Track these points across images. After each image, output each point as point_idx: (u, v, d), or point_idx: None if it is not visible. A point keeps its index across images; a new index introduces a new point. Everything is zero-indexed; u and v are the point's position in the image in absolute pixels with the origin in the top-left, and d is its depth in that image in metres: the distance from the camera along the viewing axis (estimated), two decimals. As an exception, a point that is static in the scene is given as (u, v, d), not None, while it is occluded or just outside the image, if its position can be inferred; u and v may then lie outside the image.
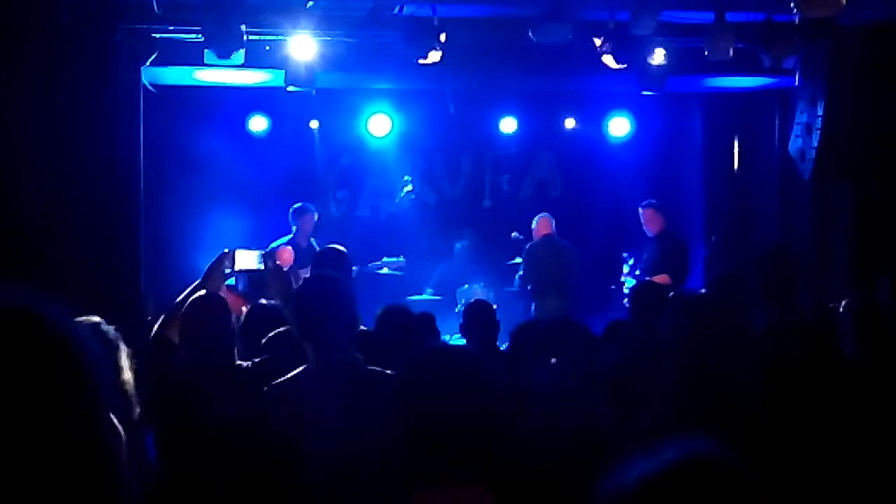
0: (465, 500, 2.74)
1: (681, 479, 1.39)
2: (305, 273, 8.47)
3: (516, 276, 11.28)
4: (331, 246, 6.73)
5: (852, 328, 5.17)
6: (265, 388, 4.03)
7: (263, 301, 6.18)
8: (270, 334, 5.08)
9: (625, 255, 10.94)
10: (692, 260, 10.91)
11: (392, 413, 2.82)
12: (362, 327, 5.81)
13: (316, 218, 10.93)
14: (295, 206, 10.88)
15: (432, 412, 2.75)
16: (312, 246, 10.50)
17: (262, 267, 6.98)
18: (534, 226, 11.04)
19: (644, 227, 10.76)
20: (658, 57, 9.88)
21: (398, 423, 2.80)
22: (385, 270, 11.31)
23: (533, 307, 10.75)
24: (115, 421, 1.31)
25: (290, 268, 9.94)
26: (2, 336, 1.26)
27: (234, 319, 5.61)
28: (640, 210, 10.80)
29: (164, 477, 3.11)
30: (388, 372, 4.00)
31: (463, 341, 6.89)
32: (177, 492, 2.47)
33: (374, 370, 4.09)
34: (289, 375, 4.05)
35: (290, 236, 10.72)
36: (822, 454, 3.86)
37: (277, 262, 9.65)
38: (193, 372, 4.74)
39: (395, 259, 11.31)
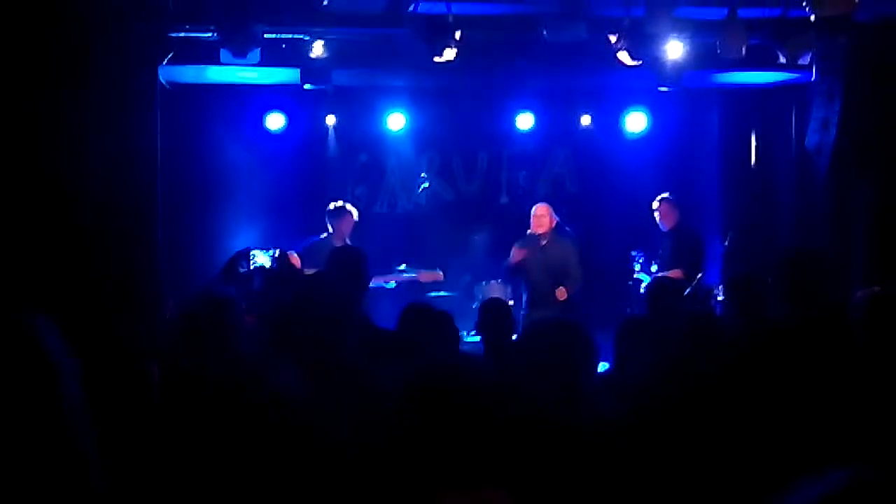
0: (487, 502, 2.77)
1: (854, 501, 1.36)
2: None
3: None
4: (345, 245, 6.75)
5: (864, 323, 5.17)
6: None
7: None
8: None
9: (633, 252, 10.94)
10: (708, 255, 10.91)
11: (402, 420, 2.84)
12: (379, 326, 5.86)
13: (356, 218, 10.56)
14: (332, 205, 10.57)
15: (445, 419, 2.78)
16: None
17: (276, 266, 7.00)
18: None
19: (658, 222, 10.78)
20: (674, 53, 9.87)
21: (410, 429, 2.83)
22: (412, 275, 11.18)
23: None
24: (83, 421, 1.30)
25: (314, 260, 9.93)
26: None
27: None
28: (655, 205, 10.80)
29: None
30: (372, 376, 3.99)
31: (478, 338, 6.91)
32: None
33: (359, 372, 4.08)
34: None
35: (325, 236, 10.42)
36: (837, 446, 3.87)
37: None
38: (207, 370, 4.75)
39: (432, 270, 11.18)
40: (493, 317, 6.48)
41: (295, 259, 10.05)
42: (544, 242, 10.43)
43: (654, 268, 10.68)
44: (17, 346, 1.28)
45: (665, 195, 10.86)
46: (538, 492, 3.19)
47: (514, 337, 6.61)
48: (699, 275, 10.29)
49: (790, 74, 10.78)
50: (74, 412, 1.30)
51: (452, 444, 2.79)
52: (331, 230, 10.44)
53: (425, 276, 11.13)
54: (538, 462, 3.27)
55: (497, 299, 7.14)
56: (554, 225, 10.54)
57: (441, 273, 11.27)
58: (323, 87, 10.03)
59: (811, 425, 3.86)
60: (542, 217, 10.48)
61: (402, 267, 11.06)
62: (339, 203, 10.63)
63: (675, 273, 10.06)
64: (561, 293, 10.20)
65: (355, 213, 10.59)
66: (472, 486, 2.77)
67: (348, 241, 10.48)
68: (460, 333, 6.26)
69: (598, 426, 3.58)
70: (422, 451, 2.80)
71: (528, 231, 10.57)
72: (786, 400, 3.97)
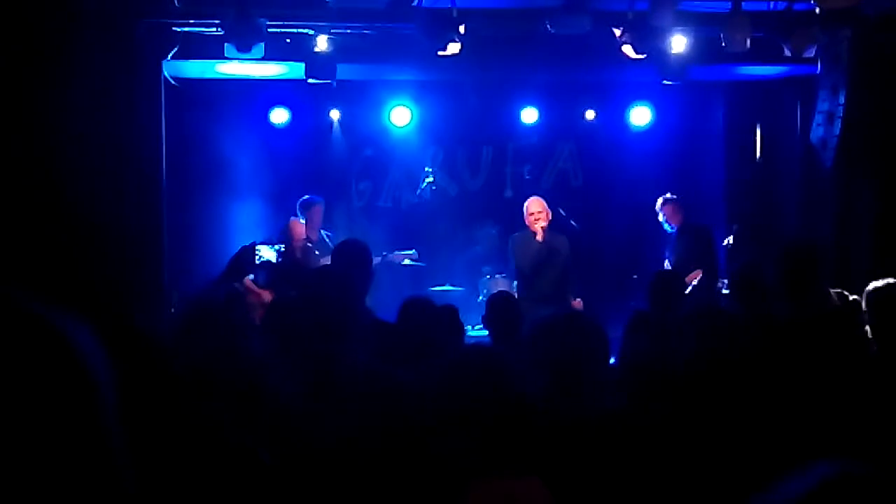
0: (520, 490, 2.81)
1: (837, 497, 1.37)
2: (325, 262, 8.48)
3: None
4: (350, 238, 6.74)
5: (872, 317, 5.17)
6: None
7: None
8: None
9: (634, 276, 10.89)
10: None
11: (439, 409, 2.87)
12: (383, 320, 5.86)
13: (323, 209, 10.87)
14: (302, 198, 10.80)
15: (481, 408, 2.81)
16: (323, 238, 10.52)
17: (281, 260, 7.01)
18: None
19: (666, 223, 10.67)
20: (678, 46, 9.87)
21: (448, 418, 2.85)
22: (406, 262, 11.31)
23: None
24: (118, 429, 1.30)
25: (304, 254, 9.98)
26: None
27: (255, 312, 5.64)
28: (660, 207, 10.68)
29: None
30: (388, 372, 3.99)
31: (485, 332, 6.90)
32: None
33: (373, 370, 4.08)
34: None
35: None
36: (844, 441, 3.87)
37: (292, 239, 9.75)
38: (214, 365, 4.76)
39: (407, 251, 11.26)
40: (500, 310, 6.46)
41: (299, 225, 10.10)
42: (546, 237, 10.11)
43: (666, 264, 10.62)
44: (50, 352, 1.27)
45: (667, 196, 10.74)
46: (563, 481, 3.20)
47: (520, 331, 6.60)
48: (717, 272, 10.25)
49: (795, 67, 10.76)
50: (110, 422, 1.30)
51: (488, 433, 2.81)
52: (304, 222, 10.65)
53: (398, 255, 11.18)
54: (565, 451, 3.30)
55: (505, 292, 7.14)
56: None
57: (415, 252, 11.30)
58: (327, 81, 10.03)
59: (811, 418, 3.86)
60: (544, 211, 10.15)
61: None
62: (307, 196, 10.84)
63: (695, 275, 10.02)
64: (578, 304, 9.96)
65: (322, 203, 10.86)
66: (505, 474, 2.80)
67: (322, 232, 10.59)
68: (465, 327, 6.26)
69: (605, 419, 3.59)
70: (458, 439, 2.83)
71: (537, 224, 10.18)
72: (788, 392, 3.97)
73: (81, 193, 8.77)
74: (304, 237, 10.18)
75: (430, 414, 2.97)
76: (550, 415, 3.43)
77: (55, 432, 1.21)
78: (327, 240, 10.41)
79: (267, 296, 9.12)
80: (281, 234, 10.09)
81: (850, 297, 6.12)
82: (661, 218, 10.68)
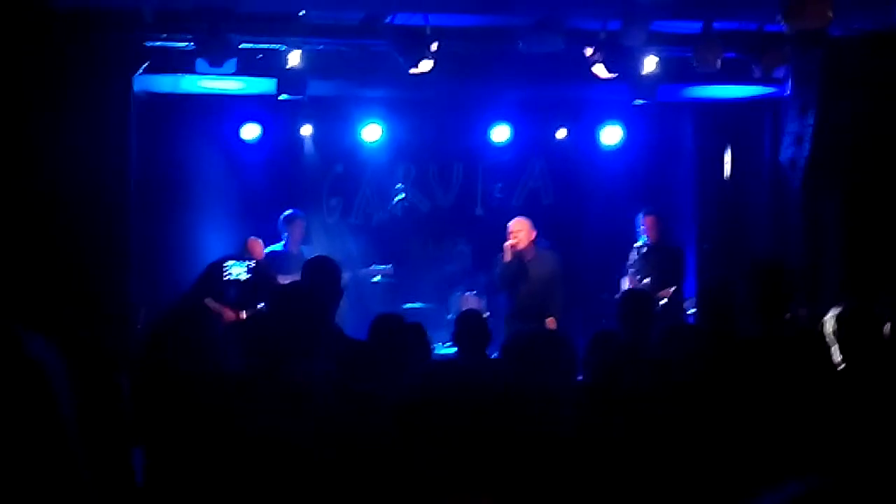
0: None
1: None
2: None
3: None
4: (319, 255, 6.73)
5: (840, 338, 5.19)
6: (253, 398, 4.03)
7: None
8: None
9: (604, 296, 10.91)
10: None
11: (393, 429, 2.86)
12: (351, 337, 5.85)
13: (305, 224, 10.97)
14: (285, 213, 10.89)
15: (437, 428, 2.79)
16: (302, 254, 10.51)
17: (250, 276, 7.00)
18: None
19: (644, 234, 10.58)
20: (649, 66, 9.91)
21: (401, 439, 2.84)
22: (377, 278, 11.29)
23: None
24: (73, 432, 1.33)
25: (273, 270, 9.96)
26: None
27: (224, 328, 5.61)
28: (641, 217, 10.65)
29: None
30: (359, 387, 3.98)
31: (453, 350, 6.90)
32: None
33: (342, 384, 4.07)
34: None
35: (282, 244, 10.77)
36: (811, 459, 3.88)
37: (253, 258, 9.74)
38: (183, 381, 4.73)
39: (383, 266, 11.28)
40: (469, 328, 6.46)
41: (258, 245, 10.10)
42: (529, 258, 10.12)
43: (625, 281, 10.59)
44: (9, 357, 1.30)
45: (652, 208, 10.72)
46: (522, 499, 3.20)
47: (489, 348, 6.61)
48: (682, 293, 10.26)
49: (765, 88, 10.83)
50: (69, 429, 1.33)
51: (445, 454, 2.80)
52: (285, 237, 10.83)
53: (371, 272, 11.23)
54: (522, 469, 3.29)
55: (473, 310, 7.13)
56: (533, 239, 10.24)
57: (391, 267, 11.35)
58: (299, 97, 10.01)
59: (778, 438, 3.87)
60: (518, 232, 10.13)
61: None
62: (290, 211, 10.97)
63: (667, 292, 10.02)
64: (551, 322, 9.92)
65: (304, 218, 11.02)
66: (461, 494, 2.79)
67: (301, 248, 10.61)
68: (432, 345, 6.25)
69: (569, 436, 3.59)
70: (415, 461, 2.82)
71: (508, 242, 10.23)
72: (755, 412, 3.98)
73: (48, 207, 8.71)
74: (263, 256, 10.22)
75: (396, 430, 2.97)
76: (516, 433, 3.42)
77: (20, 436, 1.23)
78: (305, 255, 10.41)
79: (229, 313, 9.11)
80: (239, 255, 10.03)
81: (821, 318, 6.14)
82: (640, 228, 10.59)
